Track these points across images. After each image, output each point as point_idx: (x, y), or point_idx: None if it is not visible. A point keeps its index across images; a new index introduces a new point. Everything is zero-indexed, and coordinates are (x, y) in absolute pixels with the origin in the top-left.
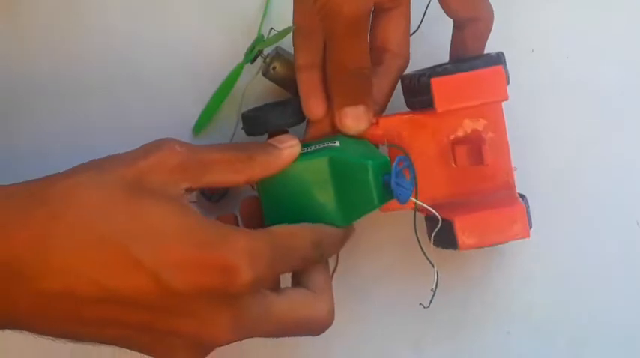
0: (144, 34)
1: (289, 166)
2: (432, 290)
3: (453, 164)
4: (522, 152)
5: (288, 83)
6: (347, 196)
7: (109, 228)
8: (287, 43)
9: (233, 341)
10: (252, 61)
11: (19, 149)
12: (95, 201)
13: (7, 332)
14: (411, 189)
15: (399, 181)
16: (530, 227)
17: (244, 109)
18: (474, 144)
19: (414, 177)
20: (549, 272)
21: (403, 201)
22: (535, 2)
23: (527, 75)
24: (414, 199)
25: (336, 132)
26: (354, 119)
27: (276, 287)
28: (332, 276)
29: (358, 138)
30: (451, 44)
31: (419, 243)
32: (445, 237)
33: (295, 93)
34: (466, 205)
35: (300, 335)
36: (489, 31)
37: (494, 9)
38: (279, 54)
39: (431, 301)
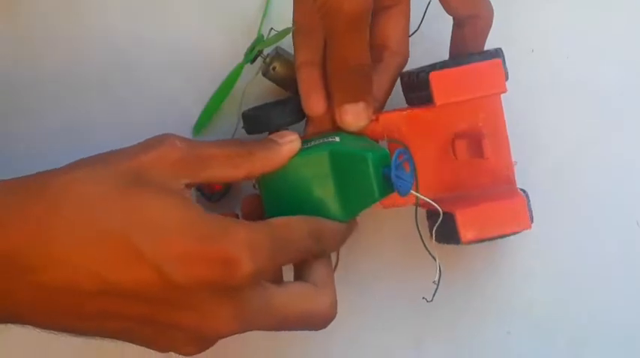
0: (144, 34)
1: (289, 162)
2: (434, 282)
3: (454, 158)
4: (522, 151)
5: (288, 83)
6: (347, 190)
7: (110, 221)
8: (287, 43)
9: (234, 334)
10: (252, 61)
11: (18, 149)
12: (95, 195)
13: (11, 331)
14: (411, 182)
15: (399, 174)
16: (532, 221)
17: (244, 109)
18: (474, 138)
19: (414, 170)
20: (549, 271)
21: (403, 193)
22: (535, 2)
23: (527, 75)
24: (414, 192)
25: (335, 129)
26: (354, 116)
27: (277, 280)
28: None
29: (358, 134)
30: (451, 42)
31: (420, 236)
32: (447, 231)
33: (295, 92)
34: (467, 199)
35: (303, 328)
36: (489, 28)
37: (494, 8)
38: (279, 54)
39: (434, 295)
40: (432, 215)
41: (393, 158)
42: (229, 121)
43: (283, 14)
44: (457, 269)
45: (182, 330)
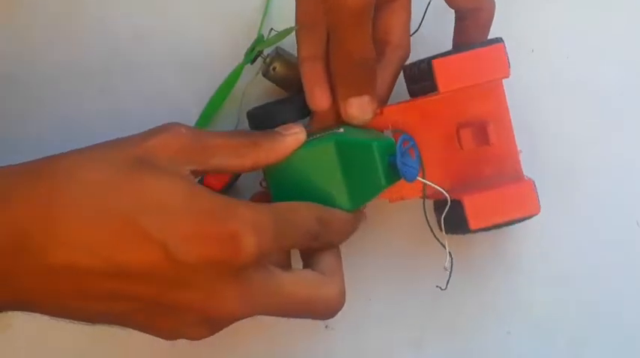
0: (143, 35)
1: (296, 153)
2: (445, 269)
3: (459, 148)
4: (522, 151)
5: (288, 83)
6: (354, 179)
7: (116, 202)
8: (287, 44)
9: (242, 317)
10: (253, 61)
11: (18, 148)
12: (100, 176)
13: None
14: (417, 168)
15: (405, 160)
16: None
17: (246, 109)
18: (479, 126)
19: (419, 156)
20: (549, 271)
21: (410, 179)
22: (535, 2)
23: (527, 75)
24: (420, 179)
25: (340, 123)
26: (360, 109)
27: (285, 266)
28: None
29: (362, 127)
30: (454, 34)
31: (429, 225)
32: (455, 220)
33: (296, 92)
34: (474, 186)
35: (309, 316)
36: (491, 20)
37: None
38: (279, 54)
39: (447, 282)
40: (439, 206)
41: (398, 144)
42: (229, 121)
43: (284, 14)
44: (457, 270)
45: (188, 311)
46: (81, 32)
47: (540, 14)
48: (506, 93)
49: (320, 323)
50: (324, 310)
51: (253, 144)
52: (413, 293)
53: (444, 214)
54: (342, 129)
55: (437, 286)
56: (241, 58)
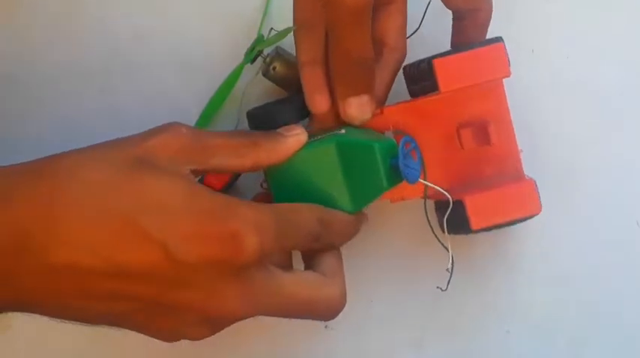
0: (143, 35)
1: (297, 155)
2: (447, 270)
3: (460, 149)
4: (522, 151)
5: (288, 83)
6: (355, 181)
7: (116, 201)
8: (287, 43)
9: (243, 317)
10: (253, 61)
11: (18, 148)
12: (101, 176)
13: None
14: (418, 169)
15: (407, 162)
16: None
17: (246, 109)
18: (479, 126)
19: (421, 158)
20: (549, 271)
21: (412, 180)
22: (535, 2)
23: (527, 75)
24: (422, 181)
25: (340, 124)
26: (358, 109)
27: (286, 266)
28: None
29: (363, 128)
30: (452, 34)
31: (430, 226)
32: (457, 220)
33: (296, 92)
34: (476, 186)
35: (310, 317)
36: (489, 19)
37: (493, 8)
38: (279, 54)
39: (448, 283)
40: (440, 207)
41: (400, 146)
42: (229, 121)
43: (283, 14)
44: (457, 270)
45: (188, 311)
46: (81, 32)
47: (540, 14)
48: (506, 93)
49: (321, 323)
50: (325, 311)
51: (253, 144)
52: (414, 294)
53: (446, 216)
54: (343, 131)
55: (437, 287)
56: (241, 58)
